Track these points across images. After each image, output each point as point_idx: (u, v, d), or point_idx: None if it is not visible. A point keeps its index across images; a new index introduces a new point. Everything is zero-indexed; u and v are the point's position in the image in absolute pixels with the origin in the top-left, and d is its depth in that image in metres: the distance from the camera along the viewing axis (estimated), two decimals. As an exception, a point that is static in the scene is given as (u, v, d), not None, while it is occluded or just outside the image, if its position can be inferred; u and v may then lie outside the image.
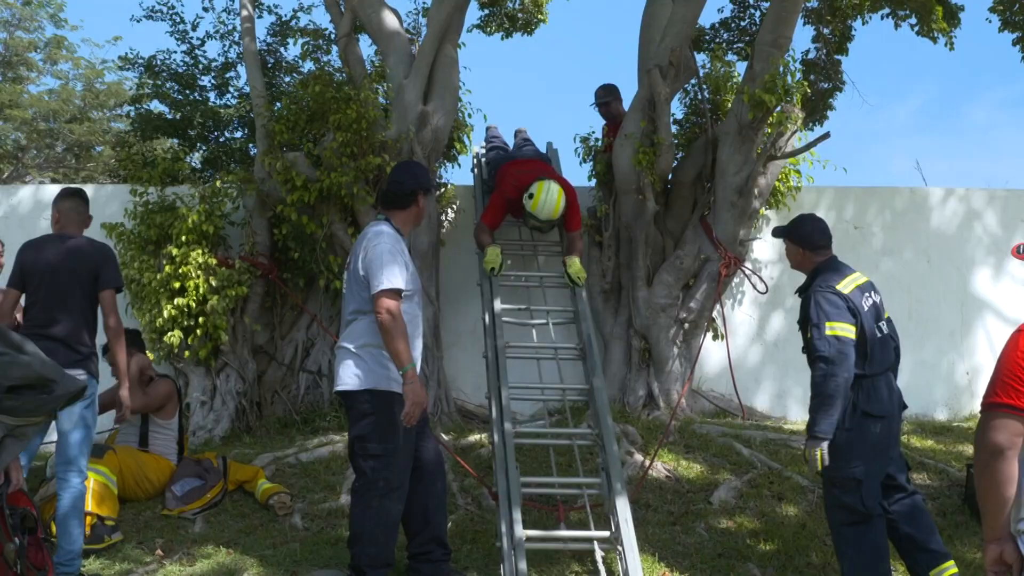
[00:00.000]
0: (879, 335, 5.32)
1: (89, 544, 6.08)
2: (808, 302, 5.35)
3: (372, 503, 5.26)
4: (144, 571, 5.83)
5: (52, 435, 5.77)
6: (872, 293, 5.42)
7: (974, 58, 56.77)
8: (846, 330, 5.17)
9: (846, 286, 5.32)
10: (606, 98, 9.66)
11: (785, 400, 9.61)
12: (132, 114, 15.64)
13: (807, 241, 5.61)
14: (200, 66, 14.97)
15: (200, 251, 8.62)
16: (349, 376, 5.32)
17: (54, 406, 4.29)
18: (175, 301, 8.45)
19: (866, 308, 5.30)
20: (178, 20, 14.76)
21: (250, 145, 14.15)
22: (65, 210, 6.03)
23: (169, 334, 8.41)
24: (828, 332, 5.16)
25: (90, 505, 6.25)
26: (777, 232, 5.92)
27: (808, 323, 5.30)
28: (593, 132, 9.61)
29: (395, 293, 5.22)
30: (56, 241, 5.92)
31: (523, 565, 5.34)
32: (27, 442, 4.45)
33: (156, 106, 15.00)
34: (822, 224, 5.69)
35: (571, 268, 7.94)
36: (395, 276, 5.24)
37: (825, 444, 5.16)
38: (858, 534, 5.23)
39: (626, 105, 9.27)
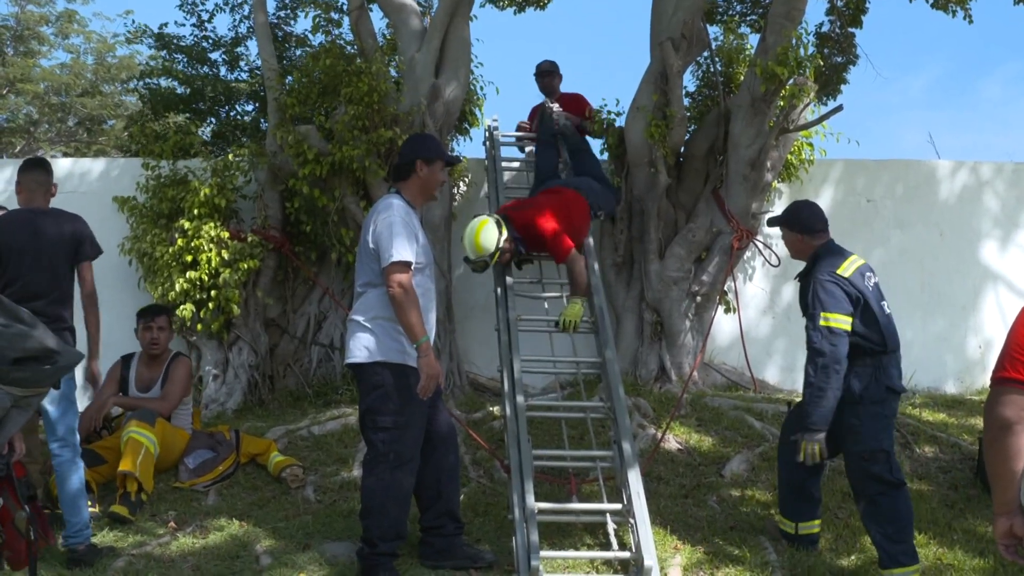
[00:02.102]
0: (886, 312, 5.37)
1: (122, 507, 6.21)
2: (807, 289, 5.39)
3: (383, 476, 5.27)
4: (157, 543, 5.88)
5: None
6: (872, 274, 5.47)
7: (988, 33, 56.37)
8: (840, 321, 5.23)
9: (847, 269, 5.38)
10: (550, 69, 9.68)
11: (796, 373, 9.55)
12: (140, 88, 15.57)
13: (807, 227, 5.63)
14: (210, 40, 14.93)
15: (212, 224, 8.63)
16: (360, 348, 5.32)
17: (58, 376, 4.31)
18: (187, 274, 8.46)
19: (870, 287, 5.34)
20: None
21: (261, 119, 14.12)
22: (27, 182, 5.88)
23: (181, 307, 8.43)
24: (822, 323, 5.23)
25: (138, 471, 6.33)
26: (773, 222, 5.91)
27: (806, 311, 5.36)
28: (605, 104, 9.51)
29: (405, 266, 5.20)
30: (26, 216, 5.78)
31: (535, 537, 5.35)
32: (31, 412, 4.48)
33: (166, 82, 14.95)
34: (817, 208, 5.73)
35: (564, 312, 7.15)
36: (404, 249, 5.22)
37: (821, 436, 5.28)
38: (890, 502, 5.29)
39: (638, 78, 9.17)
